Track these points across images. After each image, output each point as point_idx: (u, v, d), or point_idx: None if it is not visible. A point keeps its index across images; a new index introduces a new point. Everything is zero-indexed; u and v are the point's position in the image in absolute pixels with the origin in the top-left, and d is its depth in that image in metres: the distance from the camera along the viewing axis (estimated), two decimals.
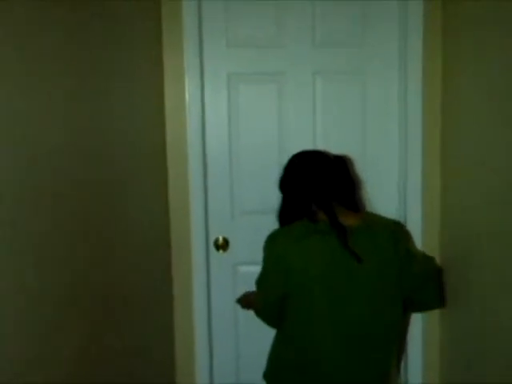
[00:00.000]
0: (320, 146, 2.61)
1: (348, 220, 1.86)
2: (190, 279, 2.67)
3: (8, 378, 1.14)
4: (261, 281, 1.96)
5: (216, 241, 2.69)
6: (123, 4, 2.06)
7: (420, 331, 2.68)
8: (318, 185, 1.89)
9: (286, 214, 1.98)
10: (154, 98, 2.48)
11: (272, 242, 1.91)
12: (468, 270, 2.25)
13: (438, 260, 2.49)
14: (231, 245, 2.69)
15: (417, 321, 2.67)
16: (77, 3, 1.60)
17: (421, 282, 2.02)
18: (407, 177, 2.60)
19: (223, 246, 2.69)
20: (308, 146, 2.60)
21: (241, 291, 2.48)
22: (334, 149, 2.59)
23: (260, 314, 2.05)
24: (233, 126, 2.64)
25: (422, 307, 2.24)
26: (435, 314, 2.62)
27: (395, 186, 2.66)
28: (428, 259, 2.21)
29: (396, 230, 1.98)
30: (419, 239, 2.60)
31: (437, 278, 2.19)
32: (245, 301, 2.28)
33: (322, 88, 2.61)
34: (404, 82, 2.56)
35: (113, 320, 1.88)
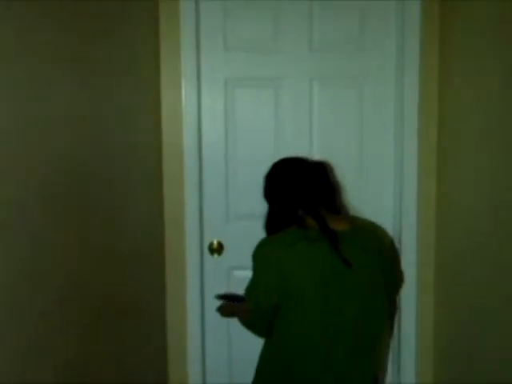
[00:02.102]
0: (316, 151, 2.62)
1: (336, 225, 1.85)
2: (183, 283, 2.66)
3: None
4: (252, 289, 1.91)
5: (210, 245, 2.68)
6: (121, 7, 2.06)
7: (414, 330, 2.69)
8: (304, 190, 1.89)
9: (273, 223, 1.96)
10: (150, 102, 2.48)
11: (263, 249, 1.87)
12: (463, 268, 2.27)
13: (433, 257, 2.57)
14: (226, 249, 2.69)
15: (410, 318, 2.68)
16: (74, 6, 1.60)
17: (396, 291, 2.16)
18: (403, 182, 2.60)
19: (218, 249, 2.68)
20: (304, 151, 2.60)
21: None
22: (331, 154, 2.62)
23: (250, 323, 2.01)
24: (229, 130, 2.64)
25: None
26: (429, 314, 2.64)
27: (391, 190, 2.67)
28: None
29: (381, 236, 2.04)
30: (414, 241, 2.62)
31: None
32: (225, 310, 2.18)
33: (318, 93, 2.62)
34: (401, 87, 2.57)
35: (105, 324, 1.88)
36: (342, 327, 1.82)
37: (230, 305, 2.17)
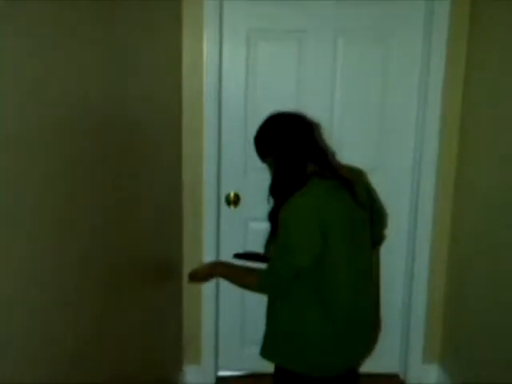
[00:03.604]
0: (337, 107, 2.61)
1: (342, 173, 1.91)
2: (201, 233, 2.70)
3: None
4: (288, 247, 1.81)
5: (227, 196, 2.71)
6: None
7: (424, 308, 2.74)
8: (314, 143, 1.92)
9: (285, 180, 1.89)
10: (171, 52, 2.45)
11: (300, 204, 1.80)
12: (478, 245, 2.28)
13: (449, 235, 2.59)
14: (242, 200, 2.71)
15: (421, 297, 2.72)
16: None
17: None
18: (423, 143, 2.59)
19: (234, 201, 2.71)
20: (326, 106, 2.59)
21: (251, 246, 2.52)
22: (352, 111, 2.60)
23: (271, 285, 1.91)
24: (250, 83, 2.62)
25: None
26: (440, 293, 2.67)
27: (411, 150, 2.66)
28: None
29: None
30: (431, 209, 2.64)
31: None
32: (201, 274, 2.17)
33: (343, 47, 2.58)
34: (428, 44, 2.52)
35: (125, 275, 1.91)
36: (360, 265, 1.91)
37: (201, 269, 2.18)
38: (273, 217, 1.91)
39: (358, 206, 1.86)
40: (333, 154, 2.00)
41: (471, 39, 2.44)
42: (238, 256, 2.26)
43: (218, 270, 2.15)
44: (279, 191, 1.91)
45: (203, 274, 2.19)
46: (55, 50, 1.30)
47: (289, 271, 1.83)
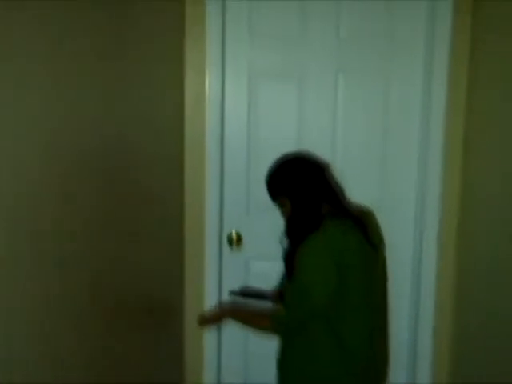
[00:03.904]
0: (339, 144, 2.59)
1: (354, 213, 1.93)
2: (202, 273, 2.65)
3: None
4: (304, 286, 1.79)
5: (229, 235, 2.67)
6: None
7: (431, 327, 2.66)
8: (329, 182, 1.94)
9: (301, 221, 1.87)
10: (174, 89, 2.46)
11: (316, 244, 1.80)
12: (485, 271, 2.23)
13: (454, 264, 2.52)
14: (244, 240, 2.67)
15: (427, 316, 2.65)
16: None
17: None
18: (426, 179, 2.56)
19: (236, 240, 2.67)
20: (327, 144, 2.58)
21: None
22: (354, 148, 2.59)
23: (282, 325, 1.87)
24: (252, 121, 2.61)
25: None
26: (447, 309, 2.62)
27: (413, 187, 2.62)
28: None
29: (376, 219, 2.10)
30: (434, 240, 2.58)
31: None
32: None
33: (344, 86, 2.58)
34: (428, 81, 2.51)
35: (124, 316, 1.88)
36: (376, 309, 1.91)
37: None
38: (289, 258, 1.89)
39: (370, 246, 1.87)
40: (343, 193, 1.98)
41: (472, 75, 2.43)
42: (234, 293, 2.22)
43: (228, 312, 2.10)
44: (295, 232, 1.89)
45: (214, 317, 2.14)
46: (58, 101, 1.30)
47: (304, 311, 1.82)
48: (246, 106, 2.60)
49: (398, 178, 2.63)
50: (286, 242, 1.94)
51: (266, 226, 2.56)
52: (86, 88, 1.50)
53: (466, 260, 2.48)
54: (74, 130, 1.42)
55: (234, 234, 2.66)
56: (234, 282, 2.66)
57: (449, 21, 2.44)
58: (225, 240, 2.67)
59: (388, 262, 2.04)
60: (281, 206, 1.99)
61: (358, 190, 2.54)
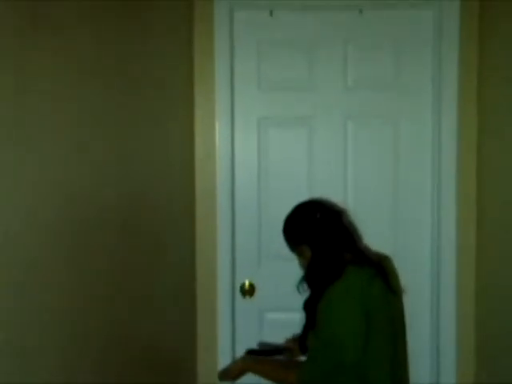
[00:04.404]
0: (351, 191, 2.58)
1: (375, 260, 1.89)
2: (215, 324, 2.60)
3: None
4: (338, 338, 1.72)
5: (242, 286, 2.63)
6: (156, 42, 2.08)
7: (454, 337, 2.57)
8: (347, 229, 1.92)
9: (324, 268, 1.83)
10: (184, 140, 2.48)
11: (343, 294, 1.76)
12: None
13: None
14: (257, 290, 2.63)
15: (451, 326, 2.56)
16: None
17: None
18: (441, 227, 2.52)
19: (249, 291, 2.63)
20: (338, 192, 2.56)
21: (267, 337, 2.42)
22: (365, 194, 2.57)
23: (319, 379, 1.78)
24: (262, 171, 2.62)
25: None
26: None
27: (429, 234, 2.58)
28: None
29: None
30: (453, 294, 2.53)
31: None
32: (233, 371, 2.04)
33: (353, 133, 2.58)
34: (438, 126, 2.51)
35: (138, 371, 1.84)
36: (401, 359, 1.88)
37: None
38: (310, 307, 1.84)
39: (392, 294, 1.83)
40: (361, 238, 1.96)
41: (481, 113, 2.43)
42: (252, 353, 2.14)
43: (250, 365, 2.04)
44: (317, 280, 1.85)
45: (235, 371, 2.06)
46: (79, 163, 1.30)
47: (333, 366, 1.74)
48: (256, 156, 2.61)
49: (412, 223, 2.59)
50: (304, 290, 1.90)
51: (279, 276, 2.53)
52: (100, 140, 1.51)
53: (485, 306, 2.42)
54: (89, 186, 1.43)
55: (247, 284, 2.63)
56: (247, 333, 2.61)
57: (455, 64, 2.47)
58: (237, 291, 2.63)
59: (406, 305, 1.99)
60: (299, 254, 1.95)
61: (371, 235, 2.52)
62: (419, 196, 2.58)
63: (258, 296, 2.63)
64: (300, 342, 2.00)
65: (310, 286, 1.88)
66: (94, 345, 1.43)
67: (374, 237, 2.53)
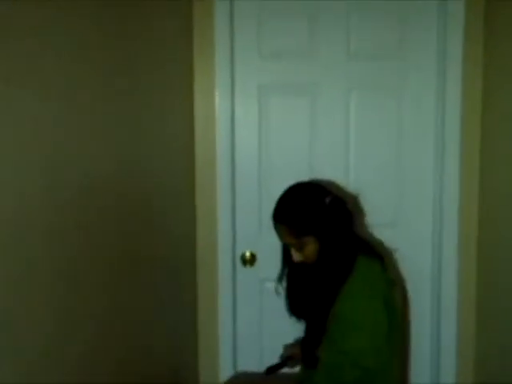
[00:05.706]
0: (353, 161, 2.55)
1: (378, 251, 1.86)
2: (215, 294, 2.62)
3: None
4: (364, 345, 1.58)
5: (243, 255, 2.63)
6: (156, 15, 2.04)
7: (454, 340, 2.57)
8: (353, 216, 1.81)
9: (335, 262, 1.63)
10: (183, 109, 2.45)
11: (367, 293, 1.61)
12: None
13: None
14: (258, 260, 2.63)
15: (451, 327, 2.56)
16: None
17: None
18: (443, 195, 2.51)
19: (250, 260, 2.63)
20: (340, 162, 2.54)
21: (267, 306, 2.46)
22: (367, 165, 2.55)
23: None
24: (263, 139, 2.59)
25: None
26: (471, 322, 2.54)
27: (431, 203, 2.57)
28: None
29: None
30: (455, 251, 2.52)
31: None
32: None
33: (356, 99, 2.54)
34: (442, 97, 2.48)
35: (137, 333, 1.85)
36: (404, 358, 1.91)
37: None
38: (321, 311, 1.66)
39: (393, 287, 1.77)
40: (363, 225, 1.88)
41: (486, 86, 2.39)
42: (270, 372, 1.96)
43: None
44: (330, 278, 1.64)
45: None
46: (78, 128, 1.28)
47: (357, 375, 1.60)
48: (257, 126, 2.58)
49: (415, 193, 2.58)
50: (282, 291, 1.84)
51: (280, 246, 2.52)
52: (99, 114, 1.50)
53: (487, 273, 2.42)
54: (89, 156, 1.42)
55: (247, 254, 2.63)
56: (248, 301, 2.64)
57: (460, 32, 2.42)
58: (238, 260, 2.64)
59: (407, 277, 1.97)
60: (299, 247, 1.72)
61: (374, 206, 2.52)
62: (422, 166, 2.56)
63: (258, 265, 2.63)
64: (305, 351, 1.83)
65: (321, 285, 1.68)
66: (93, 345, 1.44)
67: (377, 207, 2.53)
